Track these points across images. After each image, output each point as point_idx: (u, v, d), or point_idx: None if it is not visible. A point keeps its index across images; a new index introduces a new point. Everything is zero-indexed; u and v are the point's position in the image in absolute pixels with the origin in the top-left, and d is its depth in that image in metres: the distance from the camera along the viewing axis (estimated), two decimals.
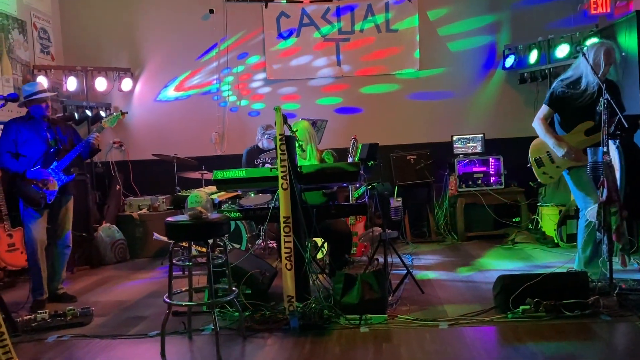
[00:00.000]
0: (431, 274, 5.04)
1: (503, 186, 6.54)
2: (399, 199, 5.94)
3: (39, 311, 4.07)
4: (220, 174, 4.10)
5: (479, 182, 6.58)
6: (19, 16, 6.53)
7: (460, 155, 6.70)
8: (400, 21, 7.18)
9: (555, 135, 4.35)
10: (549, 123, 4.40)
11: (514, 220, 6.56)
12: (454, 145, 6.79)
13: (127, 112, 5.07)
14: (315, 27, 7.25)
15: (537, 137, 4.47)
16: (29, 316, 4.00)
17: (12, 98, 4.23)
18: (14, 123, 4.57)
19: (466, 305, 4.01)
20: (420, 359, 3.11)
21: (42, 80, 6.50)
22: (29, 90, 4.54)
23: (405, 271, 4.45)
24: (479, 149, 6.75)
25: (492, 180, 6.59)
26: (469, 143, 6.79)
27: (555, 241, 5.91)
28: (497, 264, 5.31)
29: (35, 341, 3.72)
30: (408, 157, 6.83)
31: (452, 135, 6.81)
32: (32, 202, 4.49)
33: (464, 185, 6.58)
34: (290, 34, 7.27)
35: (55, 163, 4.55)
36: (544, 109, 4.38)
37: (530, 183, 5.70)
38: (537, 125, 4.39)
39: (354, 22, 7.22)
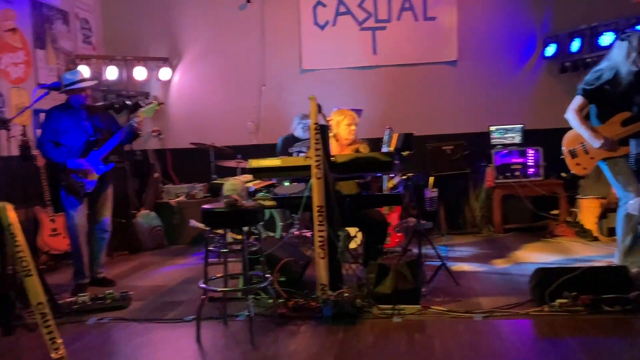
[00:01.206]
0: (466, 266, 4.99)
1: (542, 178, 6.41)
2: (434, 190, 5.87)
3: (80, 294, 4.20)
4: (255, 163, 4.14)
5: (517, 173, 6.46)
6: (62, 7, 6.69)
7: (498, 146, 6.58)
8: (438, 9, 7.07)
9: (591, 127, 4.24)
10: (585, 114, 4.29)
11: (552, 212, 6.42)
12: (492, 136, 6.67)
13: (163, 103, 5.16)
14: (351, 16, 7.20)
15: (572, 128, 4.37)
16: (71, 299, 4.14)
17: (56, 87, 4.36)
18: (55, 111, 4.67)
19: (501, 297, 3.96)
20: (453, 350, 3.09)
21: (84, 70, 6.65)
22: (69, 79, 4.63)
23: (440, 262, 4.42)
24: (517, 140, 6.62)
25: (530, 172, 6.46)
26: (507, 134, 6.66)
27: (595, 235, 5.77)
28: (534, 257, 5.23)
29: (76, 323, 3.85)
30: (444, 148, 6.75)
31: (489, 126, 6.70)
32: (72, 191, 4.62)
33: (501, 177, 6.47)
34: (327, 22, 7.25)
35: (94, 152, 4.66)
36: (577, 99, 4.26)
37: (562, 174, 5.59)
38: (571, 116, 4.27)
39: (391, 10, 7.14)
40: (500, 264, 5.03)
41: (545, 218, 6.42)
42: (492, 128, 6.68)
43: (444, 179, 6.65)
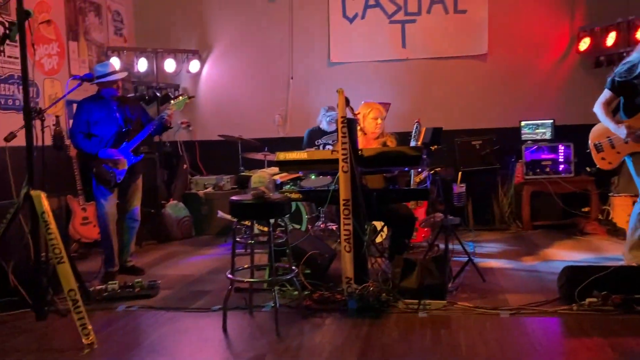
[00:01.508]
0: (493, 262, 4.94)
1: (573, 174, 6.29)
2: (462, 185, 5.82)
3: (110, 282, 4.29)
4: (282, 156, 4.15)
5: (547, 169, 6.35)
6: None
7: (528, 142, 6.48)
8: (469, 2, 6.98)
9: (615, 119, 4.17)
10: (614, 107, 4.19)
11: (583, 210, 6.30)
12: (522, 131, 6.57)
13: (193, 96, 5.21)
14: (380, 9, 7.15)
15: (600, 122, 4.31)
16: (101, 286, 4.23)
17: (88, 78, 4.44)
18: (86, 103, 4.75)
19: (529, 295, 3.91)
20: (479, 346, 3.07)
21: (115, 62, 6.75)
22: (100, 70, 4.70)
23: (467, 258, 4.38)
24: (548, 136, 6.50)
25: (561, 168, 6.35)
26: (538, 129, 6.55)
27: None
28: (563, 255, 5.14)
29: (106, 310, 3.93)
30: (473, 143, 6.66)
31: (520, 121, 6.59)
32: (102, 181, 4.71)
33: (531, 173, 6.37)
34: (356, 15, 7.21)
35: (125, 143, 4.74)
36: (605, 93, 4.19)
37: (587, 168, 5.50)
38: (598, 109, 4.22)
39: (421, 3, 7.07)
40: (528, 261, 4.97)
41: (575, 215, 6.31)
42: (523, 123, 6.58)
43: (472, 174, 6.58)
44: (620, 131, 4.10)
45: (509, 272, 4.64)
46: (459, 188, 5.68)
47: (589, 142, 4.42)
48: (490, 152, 6.57)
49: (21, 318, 3.77)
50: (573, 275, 3.68)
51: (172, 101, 5.02)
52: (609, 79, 4.20)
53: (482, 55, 7.00)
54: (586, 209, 6.30)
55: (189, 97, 5.12)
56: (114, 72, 4.73)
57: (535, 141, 6.48)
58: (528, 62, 6.92)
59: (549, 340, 3.13)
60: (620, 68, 4.12)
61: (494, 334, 3.23)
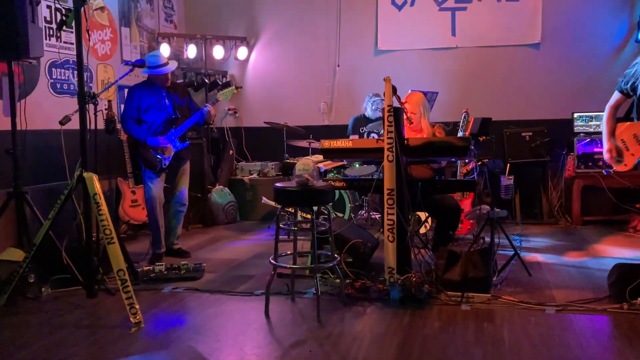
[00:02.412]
0: (540, 257, 4.83)
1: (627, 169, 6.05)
2: (510, 177, 5.69)
3: (157, 263, 4.41)
4: (327, 143, 4.15)
5: (600, 163, 6.13)
6: None
7: (581, 134, 6.27)
8: None
9: (612, 128, 3.95)
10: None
11: (637, 206, 6.07)
12: (575, 123, 6.36)
13: (241, 87, 5.27)
14: None
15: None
16: (148, 267, 4.35)
17: (139, 64, 4.54)
18: (137, 89, 4.86)
19: (577, 291, 3.81)
20: (523, 342, 3.01)
21: (165, 49, 6.87)
22: (152, 62, 4.78)
23: (513, 252, 4.30)
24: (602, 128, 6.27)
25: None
26: (592, 121, 6.33)
27: None
28: (614, 252, 4.98)
29: (152, 290, 4.04)
30: (523, 134, 6.51)
31: (572, 113, 6.38)
32: (149, 165, 4.84)
33: (582, 166, 6.17)
34: (405, 2, 7.11)
35: (172, 130, 4.84)
36: (614, 95, 3.98)
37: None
38: (605, 111, 4.03)
39: None
40: (577, 257, 4.83)
41: (628, 211, 6.08)
42: (576, 115, 6.37)
43: (521, 167, 6.44)
44: (604, 146, 3.94)
45: (556, 267, 4.53)
46: (507, 180, 5.56)
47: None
48: (541, 144, 6.41)
49: (73, 295, 3.92)
50: (625, 272, 3.55)
51: (219, 92, 5.09)
52: (619, 80, 4.00)
53: (535, 44, 6.80)
54: None
55: (237, 88, 5.18)
56: (164, 65, 4.81)
57: (588, 134, 6.27)
58: (583, 52, 6.68)
59: (596, 339, 3.05)
60: (630, 69, 3.91)
61: (538, 330, 3.17)
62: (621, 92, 3.93)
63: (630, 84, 3.82)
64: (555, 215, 6.46)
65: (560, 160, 6.46)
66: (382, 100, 6.21)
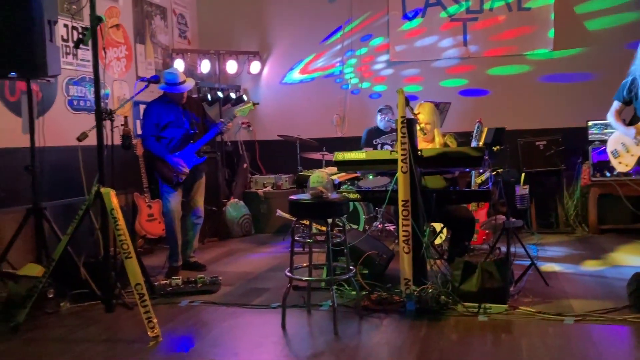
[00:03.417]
0: (557, 267, 4.78)
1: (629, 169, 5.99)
2: (525, 187, 5.66)
3: (173, 277, 4.45)
4: (341, 156, 4.17)
5: (616, 171, 6.08)
6: (161, 3, 7.03)
7: (596, 142, 6.22)
8: None
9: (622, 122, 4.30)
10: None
11: None
12: (589, 132, 6.32)
13: (258, 103, 5.31)
14: (442, 7, 7.05)
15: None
16: (165, 281, 4.38)
17: (154, 80, 4.59)
18: (155, 107, 4.91)
19: (595, 301, 3.77)
20: (541, 353, 2.99)
21: (179, 64, 6.96)
22: (169, 79, 4.82)
23: (529, 262, 4.27)
24: None
25: (631, 170, 6.05)
26: (607, 129, 6.28)
27: None
28: (632, 260, 4.92)
29: (169, 304, 4.07)
30: (537, 143, 6.48)
31: (587, 121, 6.35)
32: (166, 180, 4.89)
33: (598, 175, 6.12)
34: (416, 14, 7.15)
35: (190, 145, 4.91)
36: (614, 104, 4.33)
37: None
38: (609, 117, 4.38)
39: (483, 0, 6.92)
40: (594, 266, 4.79)
41: None
42: (590, 123, 6.33)
43: (536, 176, 6.41)
44: (630, 132, 4.23)
45: (573, 277, 4.49)
46: (522, 190, 5.53)
47: (607, 150, 4.59)
48: (555, 152, 6.38)
49: (91, 309, 3.96)
50: None
51: (237, 108, 5.15)
52: (619, 90, 4.30)
53: (548, 53, 6.78)
54: None
55: (254, 104, 5.23)
56: (182, 83, 4.86)
57: (603, 142, 6.21)
58: (597, 60, 6.65)
59: (617, 349, 3.01)
60: (626, 79, 4.22)
61: (557, 341, 3.14)
62: (623, 101, 4.24)
63: (632, 92, 4.12)
64: (571, 224, 6.41)
65: (576, 169, 6.42)
66: (388, 110, 6.26)
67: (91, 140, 3.97)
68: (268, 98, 7.75)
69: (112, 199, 3.70)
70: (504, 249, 4.22)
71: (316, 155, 6.48)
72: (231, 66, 7.39)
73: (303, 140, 6.61)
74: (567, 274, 4.57)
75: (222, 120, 5.05)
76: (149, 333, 3.35)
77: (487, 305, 3.63)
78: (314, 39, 7.55)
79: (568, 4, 6.70)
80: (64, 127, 5.24)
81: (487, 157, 3.96)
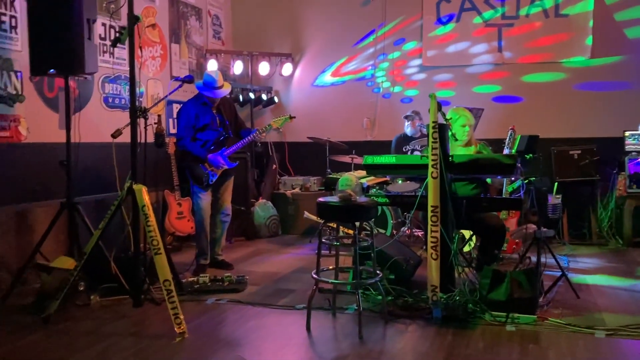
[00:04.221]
0: (589, 279, 4.68)
1: None
2: (558, 196, 5.56)
3: (201, 275, 4.49)
4: (370, 159, 4.15)
5: None
6: (196, 4, 7.13)
7: (633, 153, 6.07)
8: (571, 5, 6.65)
9: None
10: None
11: None
12: (626, 142, 6.17)
13: (294, 117, 5.33)
14: (476, 12, 6.98)
15: None
16: (193, 278, 4.43)
17: (188, 80, 4.64)
18: (192, 107, 4.95)
19: (628, 316, 3.68)
20: None
21: (212, 65, 7.04)
22: (208, 81, 4.85)
23: (560, 273, 4.18)
24: None
25: None
26: None
27: None
28: None
29: (196, 301, 4.11)
30: (571, 152, 6.36)
31: (624, 131, 6.20)
32: (197, 180, 4.95)
33: (634, 186, 5.97)
34: (450, 19, 7.09)
35: (223, 149, 4.96)
36: None
37: None
38: None
39: (519, 6, 6.82)
40: (628, 280, 4.67)
41: None
42: (627, 133, 6.18)
43: (569, 185, 6.29)
44: None
45: (605, 289, 4.38)
46: (555, 199, 5.44)
47: None
48: (590, 162, 6.25)
49: (120, 304, 4.02)
50: None
51: (274, 119, 5.19)
52: None
53: (585, 60, 6.65)
54: None
55: (290, 118, 5.24)
56: (220, 87, 4.89)
57: None
58: (636, 68, 6.49)
59: None
60: None
61: (587, 355, 3.07)
62: None
63: None
64: (604, 236, 6.27)
65: (611, 180, 6.27)
66: (415, 116, 6.23)
67: (125, 137, 4.04)
68: (299, 100, 7.78)
69: (144, 195, 3.76)
70: (534, 258, 4.14)
71: (345, 159, 6.47)
72: (263, 68, 7.44)
73: (332, 143, 6.61)
74: (599, 286, 4.47)
75: (257, 128, 5.07)
76: (175, 329, 3.39)
77: (516, 315, 3.57)
78: (346, 42, 7.55)
79: (608, 11, 6.56)
80: (99, 124, 5.35)
81: (519, 165, 3.90)
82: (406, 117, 6.30)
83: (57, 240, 4.58)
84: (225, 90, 4.94)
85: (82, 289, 3.99)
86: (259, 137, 5.05)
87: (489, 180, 4.53)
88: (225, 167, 4.95)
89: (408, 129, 6.29)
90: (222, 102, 5.09)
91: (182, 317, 3.43)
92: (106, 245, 4.15)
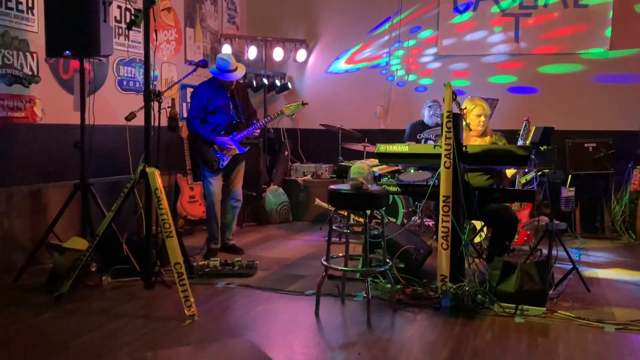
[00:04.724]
0: (600, 273, 4.65)
1: None
2: (571, 189, 5.50)
3: (211, 259, 4.52)
4: (383, 148, 4.14)
5: None
6: None
7: None
8: None
9: None
10: None
11: None
12: None
13: (307, 103, 5.30)
14: (494, 1, 6.89)
15: None
16: (203, 262, 4.46)
17: (203, 64, 4.64)
18: (205, 91, 4.96)
19: (638, 310, 3.65)
20: (579, 359, 2.91)
21: (227, 49, 7.03)
22: (222, 65, 4.85)
23: (571, 266, 4.16)
24: None
25: None
26: None
27: None
28: None
29: (206, 285, 4.14)
30: (586, 145, 6.30)
31: None
32: (207, 164, 4.96)
33: None
34: (467, 7, 7.01)
35: (234, 134, 4.95)
36: None
37: None
38: None
39: None
40: (639, 274, 4.63)
41: None
42: None
43: (583, 178, 6.24)
44: None
45: (617, 284, 4.36)
46: (568, 192, 5.38)
47: None
48: (605, 156, 6.19)
49: (131, 285, 4.06)
50: None
51: (285, 105, 5.17)
52: None
53: (603, 52, 6.55)
54: None
55: (303, 104, 5.23)
56: (233, 70, 4.88)
57: None
58: None
59: None
60: None
61: (596, 348, 3.06)
62: None
63: None
64: (617, 230, 6.21)
65: (626, 174, 6.20)
66: (437, 107, 6.17)
67: (138, 120, 4.06)
68: (312, 87, 7.75)
69: (157, 178, 3.78)
70: (545, 251, 4.12)
71: (357, 146, 6.45)
72: (277, 53, 7.42)
73: (345, 131, 6.59)
74: (610, 280, 4.44)
75: (261, 122, 5.06)
76: (185, 311, 3.42)
77: (525, 307, 3.56)
78: (361, 29, 7.49)
79: (629, 2, 6.44)
80: (113, 106, 5.37)
81: (533, 156, 3.87)
82: (430, 107, 6.23)
83: (70, 221, 4.62)
84: (240, 72, 4.94)
85: (94, 269, 4.03)
86: (264, 125, 5.06)
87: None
88: (235, 150, 4.95)
89: (428, 117, 6.23)
90: (237, 86, 5.08)
91: (192, 299, 3.46)
92: (118, 227, 4.19)
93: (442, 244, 3.65)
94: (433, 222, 5.93)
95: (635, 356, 2.97)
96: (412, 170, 5.54)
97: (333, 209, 3.74)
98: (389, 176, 5.67)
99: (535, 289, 3.62)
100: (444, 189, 3.64)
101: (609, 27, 6.49)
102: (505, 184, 4.46)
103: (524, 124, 4.71)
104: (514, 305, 3.57)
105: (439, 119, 6.14)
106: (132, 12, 5.60)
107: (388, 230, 3.97)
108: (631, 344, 3.13)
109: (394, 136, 6.54)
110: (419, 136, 6.22)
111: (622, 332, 3.30)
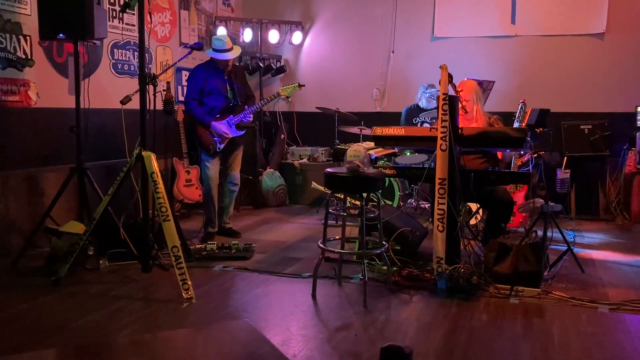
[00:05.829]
0: (594, 254, 4.69)
1: None
2: (566, 171, 5.53)
3: (209, 242, 4.54)
4: (379, 130, 4.14)
5: None
6: None
7: None
8: None
9: None
10: None
11: None
12: (638, 117, 6.11)
13: (304, 85, 5.28)
14: None
15: None
16: (200, 245, 4.48)
17: (198, 47, 4.60)
18: (201, 72, 4.94)
19: (632, 290, 3.70)
20: (573, 339, 2.96)
21: (222, 32, 6.98)
22: (217, 45, 4.84)
23: (566, 247, 4.19)
24: None
25: None
26: None
27: None
28: None
29: (203, 268, 4.16)
30: (582, 127, 6.31)
31: (636, 106, 6.13)
32: (204, 148, 4.95)
33: None
34: None
35: (231, 117, 4.93)
36: None
37: None
38: None
39: None
40: (633, 256, 4.67)
41: None
42: (639, 109, 6.11)
43: (578, 160, 6.26)
44: None
45: (611, 265, 4.40)
46: (563, 174, 5.42)
47: None
48: (600, 137, 6.20)
49: (128, 269, 4.08)
50: None
51: (282, 87, 5.15)
52: None
53: (599, 34, 6.54)
54: None
55: (299, 86, 5.20)
56: (228, 50, 4.86)
57: None
58: None
59: None
60: None
61: (590, 328, 3.10)
62: None
63: None
64: (612, 212, 6.25)
65: (621, 156, 6.23)
66: (437, 91, 6.14)
67: (134, 104, 4.04)
68: (308, 70, 7.71)
69: (153, 162, 3.77)
70: (540, 232, 4.15)
71: (354, 129, 6.45)
72: (273, 36, 7.38)
73: (341, 114, 6.58)
74: (604, 261, 4.48)
75: (260, 102, 5.05)
76: (183, 294, 3.45)
77: (520, 288, 3.60)
78: (357, 11, 7.44)
79: None
80: (108, 90, 5.34)
81: (529, 138, 3.88)
82: (425, 90, 6.18)
83: (67, 205, 4.62)
84: (235, 52, 4.92)
85: (91, 253, 4.05)
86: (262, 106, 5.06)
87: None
88: (230, 135, 4.94)
89: (424, 101, 6.20)
90: (234, 69, 5.06)
91: (189, 282, 3.49)
92: (115, 211, 4.20)
93: (438, 226, 3.67)
94: (429, 205, 5.95)
95: (629, 335, 3.01)
96: (408, 153, 5.55)
97: (329, 192, 3.75)
98: (385, 159, 5.67)
99: (530, 270, 3.66)
100: (440, 172, 3.66)
101: (606, 10, 6.46)
102: (500, 167, 4.47)
103: (520, 106, 4.72)
104: (509, 287, 3.61)
105: (435, 101, 6.13)
106: None
107: (384, 213, 3.99)
108: (625, 324, 3.17)
109: (391, 119, 6.53)
110: (415, 120, 6.22)
111: (615, 312, 3.34)
